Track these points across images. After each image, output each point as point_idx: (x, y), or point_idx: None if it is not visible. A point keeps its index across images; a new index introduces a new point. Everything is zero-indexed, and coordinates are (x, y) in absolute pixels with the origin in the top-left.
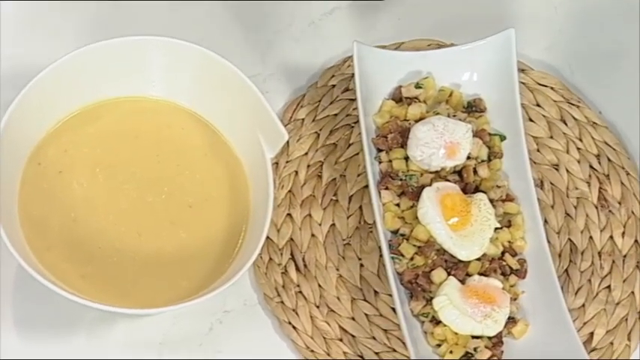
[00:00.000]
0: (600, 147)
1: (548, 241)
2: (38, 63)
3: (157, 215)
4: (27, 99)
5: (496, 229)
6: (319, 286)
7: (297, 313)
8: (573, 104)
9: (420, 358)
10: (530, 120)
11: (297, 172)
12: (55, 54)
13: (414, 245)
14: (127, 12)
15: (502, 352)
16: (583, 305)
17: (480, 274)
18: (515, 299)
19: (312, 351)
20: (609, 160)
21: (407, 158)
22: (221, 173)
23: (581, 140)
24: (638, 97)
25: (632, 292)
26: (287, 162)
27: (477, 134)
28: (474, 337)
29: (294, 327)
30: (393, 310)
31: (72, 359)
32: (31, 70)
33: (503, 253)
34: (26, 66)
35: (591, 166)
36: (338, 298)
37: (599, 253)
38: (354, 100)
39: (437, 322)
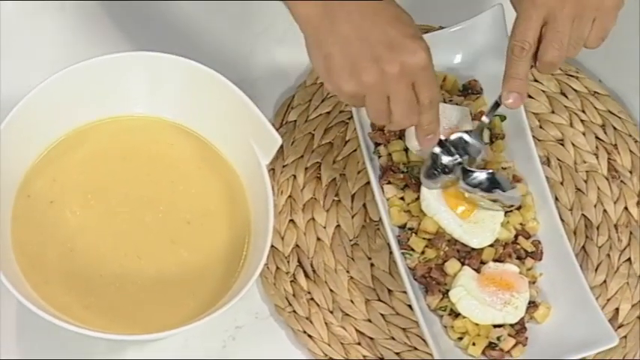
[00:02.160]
0: (604, 116)
1: (562, 219)
2: (14, 93)
3: (155, 236)
4: (8, 131)
5: (506, 212)
6: (331, 290)
7: (311, 321)
8: (572, 75)
9: (444, 358)
10: (530, 96)
11: (295, 176)
12: (30, 81)
13: (424, 238)
14: (102, 30)
15: (526, 338)
16: (604, 281)
17: (495, 260)
18: (533, 282)
19: (331, 358)
20: (615, 129)
21: (406, 149)
22: (217, 186)
23: (584, 112)
24: (638, 60)
25: None
26: (283, 167)
27: (476, 117)
28: (495, 326)
29: (309, 335)
30: (410, 307)
31: None
32: (7, 101)
33: (516, 237)
34: (1, 97)
35: (597, 137)
36: (351, 301)
37: (616, 226)
38: None
39: (456, 314)
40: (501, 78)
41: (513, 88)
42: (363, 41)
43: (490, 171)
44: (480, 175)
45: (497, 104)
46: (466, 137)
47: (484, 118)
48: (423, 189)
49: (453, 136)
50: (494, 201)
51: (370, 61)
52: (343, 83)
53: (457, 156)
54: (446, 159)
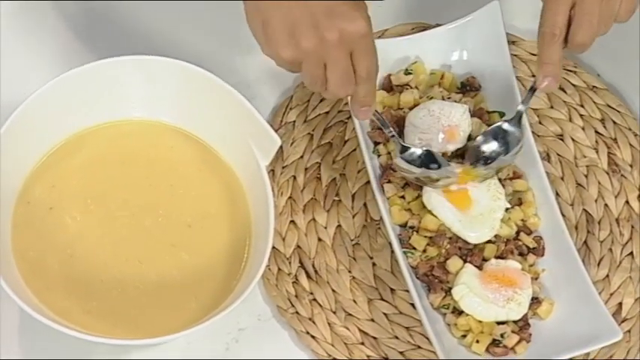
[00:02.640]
0: (603, 111)
1: (563, 215)
2: (10, 100)
3: (156, 240)
4: (6, 138)
5: (507, 209)
6: (333, 291)
7: (314, 322)
8: (570, 70)
9: (448, 356)
10: None
11: (295, 177)
12: (27, 89)
13: (425, 236)
14: (97, 35)
15: (530, 334)
16: (607, 276)
17: (497, 257)
18: (536, 279)
19: (335, 359)
20: (614, 123)
21: None
22: (217, 188)
23: (582, 106)
24: (636, 54)
25: None
26: (283, 167)
27: (475, 114)
28: (499, 323)
29: (312, 336)
30: (413, 305)
31: None
32: (4, 108)
33: (517, 233)
34: None
35: (597, 132)
36: (354, 301)
37: (617, 220)
38: None
39: (459, 312)
40: (500, 75)
41: (548, 72)
42: (303, 7)
43: (426, 149)
44: (416, 152)
45: (533, 89)
46: (505, 126)
47: (521, 106)
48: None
49: (491, 127)
50: (432, 179)
51: (309, 27)
52: (281, 49)
53: (496, 146)
54: (487, 148)
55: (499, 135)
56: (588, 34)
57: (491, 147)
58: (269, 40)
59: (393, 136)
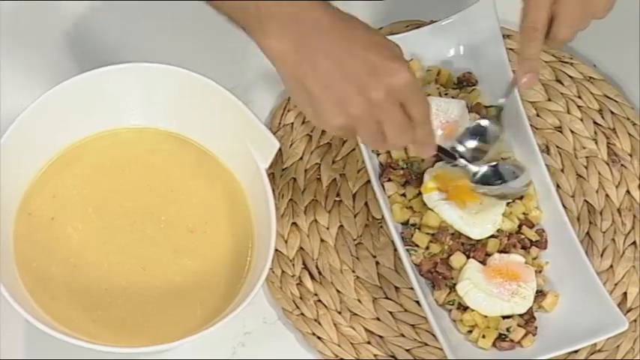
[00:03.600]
0: (601, 101)
1: (564, 206)
2: (7, 112)
3: (158, 246)
4: (5, 150)
5: (508, 203)
6: (337, 291)
7: (319, 323)
8: (566, 62)
9: (454, 352)
10: None
11: (295, 179)
12: (23, 100)
13: (427, 233)
14: (91, 44)
15: (536, 327)
16: (611, 266)
17: (500, 251)
18: (540, 272)
19: (342, 359)
20: (612, 113)
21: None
22: (217, 193)
23: (580, 98)
24: (639, 43)
25: None
26: (283, 170)
27: (473, 109)
28: (504, 317)
29: (318, 337)
30: (418, 303)
31: None
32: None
33: (520, 227)
34: None
35: (595, 122)
36: (359, 301)
37: (619, 210)
38: None
39: (464, 308)
40: (496, 69)
41: (528, 68)
42: (345, 73)
43: (493, 164)
44: (482, 169)
45: (513, 85)
46: (483, 122)
47: (500, 100)
48: (426, 179)
49: (471, 124)
50: (502, 195)
51: (355, 92)
52: (332, 119)
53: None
54: (462, 148)
55: (477, 132)
56: (570, 29)
57: (470, 145)
58: (317, 112)
59: (463, 165)
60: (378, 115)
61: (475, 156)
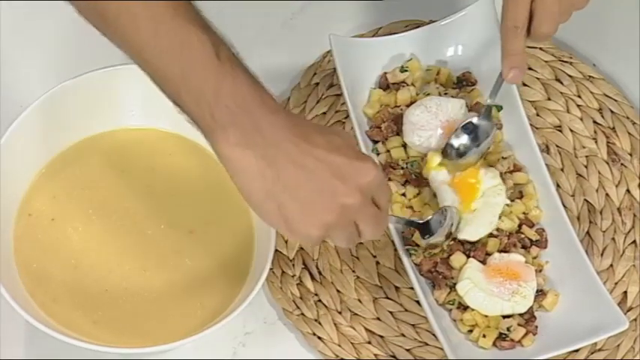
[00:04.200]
0: (601, 100)
1: (564, 206)
2: (7, 113)
3: (159, 247)
4: (5, 151)
5: (507, 204)
6: (338, 291)
7: (319, 323)
8: (565, 61)
9: (455, 351)
10: (525, 84)
11: None
12: (22, 100)
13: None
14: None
15: (536, 326)
16: (611, 265)
17: (500, 251)
18: (540, 271)
19: (342, 359)
20: (612, 112)
21: (405, 145)
22: (217, 194)
23: (580, 97)
24: (638, 43)
25: None
26: None
27: (472, 108)
28: (504, 316)
29: (319, 337)
30: (418, 303)
31: None
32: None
33: (520, 226)
34: None
35: (595, 122)
36: (359, 301)
37: (619, 209)
38: (340, 95)
39: (464, 307)
40: (495, 69)
41: (513, 63)
42: (313, 181)
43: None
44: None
45: (499, 82)
46: (474, 120)
47: (489, 100)
48: (434, 157)
49: (462, 123)
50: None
51: (328, 199)
52: (308, 231)
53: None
54: (457, 142)
55: (469, 131)
56: (551, 24)
57: (461, 141)
58: (290, 225)
59: (418, 225)
60: (354, 217)
61: (466, 152)
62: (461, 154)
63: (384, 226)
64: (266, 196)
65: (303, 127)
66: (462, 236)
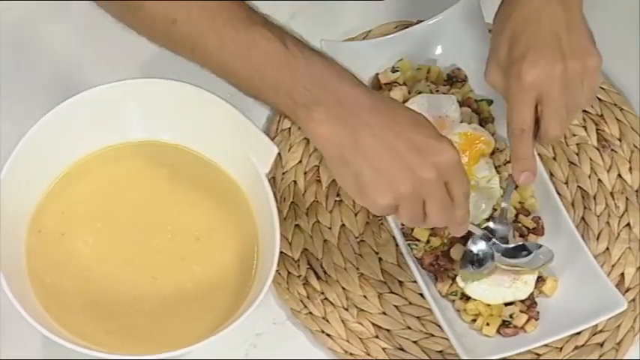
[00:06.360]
0: None
1: (559, 193)
2: (11, 132)
3: (167, 255)
4: (12, 171)
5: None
6: (343, 288)
7: (327, 321)
8: None
9: (459, 341)
10: None
11: (295, 182)
12: (25, 122)
13: (427, 228)
14: (91, 61)
15: (538, 312)
16: (607, 249)
17: None
18: None
19: (352, 354)
20: (600, 100)
21: None
22: (221, 200)
23: None
24: (617, 31)
25: None
26: (283, 174)
27: (464, 104)
28: (506, 304)
29: (327, 335)
30: (422, 295)
31: None
32: (5, 142)
33: (516, 216)
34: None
35: (584, 110)
36: (365, 297)
37: (612, 194)
38: None
39: (467, 297)
40: (484, 64)
41: (523, 167)
42: (391, 152)
43: (520, 244)
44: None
45: (511, 184)
46: (491, 225)
47: (503, 204)
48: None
49: (480, 232)
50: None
51: (403, 170)
52: (379, 198)
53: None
54: (476, 249)
55: (488, 235)
56: (560, 126)
57: (479, 247)
58: (365, 192)
59: (489, 239)
60: (425, 194)
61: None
62: (480, 260)
63: (454, 219)
64: (343, 164)
65: (387, 104)
66: None
